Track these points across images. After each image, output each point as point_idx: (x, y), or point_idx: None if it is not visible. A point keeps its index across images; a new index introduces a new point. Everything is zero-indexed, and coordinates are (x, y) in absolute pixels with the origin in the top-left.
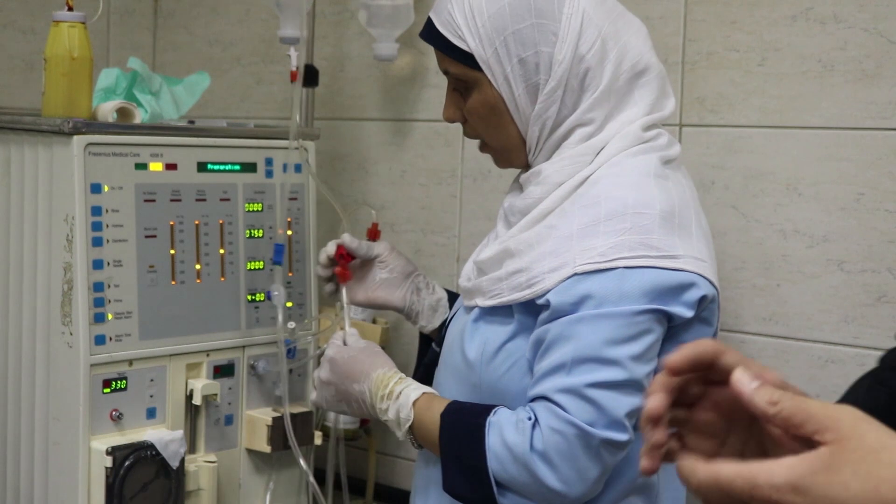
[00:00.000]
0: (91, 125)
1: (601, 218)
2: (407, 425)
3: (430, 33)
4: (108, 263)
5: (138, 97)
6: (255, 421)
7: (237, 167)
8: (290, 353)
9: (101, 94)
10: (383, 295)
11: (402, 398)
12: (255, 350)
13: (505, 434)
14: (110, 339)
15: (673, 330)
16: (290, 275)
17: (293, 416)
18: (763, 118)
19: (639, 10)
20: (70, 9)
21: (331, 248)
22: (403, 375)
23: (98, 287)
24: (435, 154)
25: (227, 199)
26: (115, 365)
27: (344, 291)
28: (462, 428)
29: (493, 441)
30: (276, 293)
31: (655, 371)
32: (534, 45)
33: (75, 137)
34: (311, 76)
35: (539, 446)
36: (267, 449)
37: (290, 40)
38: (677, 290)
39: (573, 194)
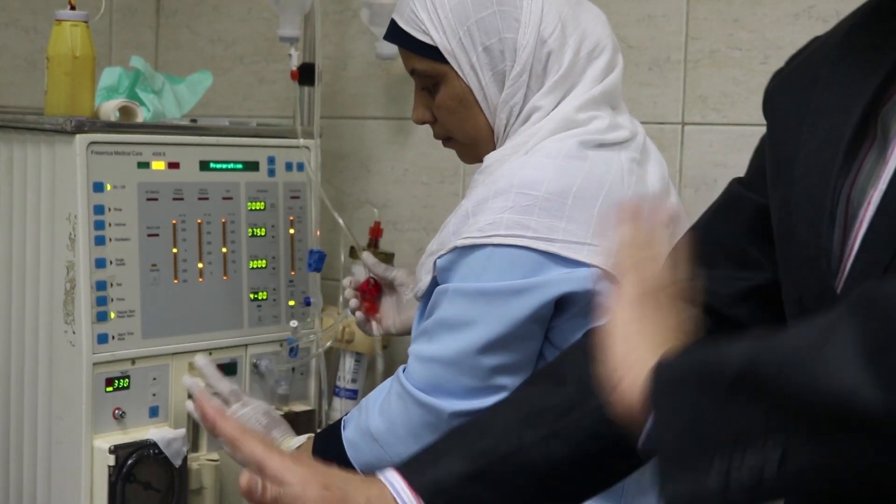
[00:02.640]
0: (93, 124)
1: (490, 195)
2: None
3: (394, 33)
4: (111, 262)
5: (141, 96)
6: None
7: (239, 166)
8: (293, 351)
9: (103, 92)
10: (410, 315)
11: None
12: (257, 349)
13: (354, 421)
14: (113, 337)
15: (560, 319)
16: (293, 273)
17: (295, 414)
18: None
19: (641, 8)
20: (72, 8)
21: (352, 282)
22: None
23: (100, 286)
24: (437, 152)
25: (230, 198)
26: (118, 363)
27: (374, 325)
28: (327, 434)
29: (347, 433)
30: (314, 300)
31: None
32: (497, 32)
33: (78, 136)
34: (309, 74)
35: (377, 408)
36: None
37: (289, 39)
38: (543, 271)
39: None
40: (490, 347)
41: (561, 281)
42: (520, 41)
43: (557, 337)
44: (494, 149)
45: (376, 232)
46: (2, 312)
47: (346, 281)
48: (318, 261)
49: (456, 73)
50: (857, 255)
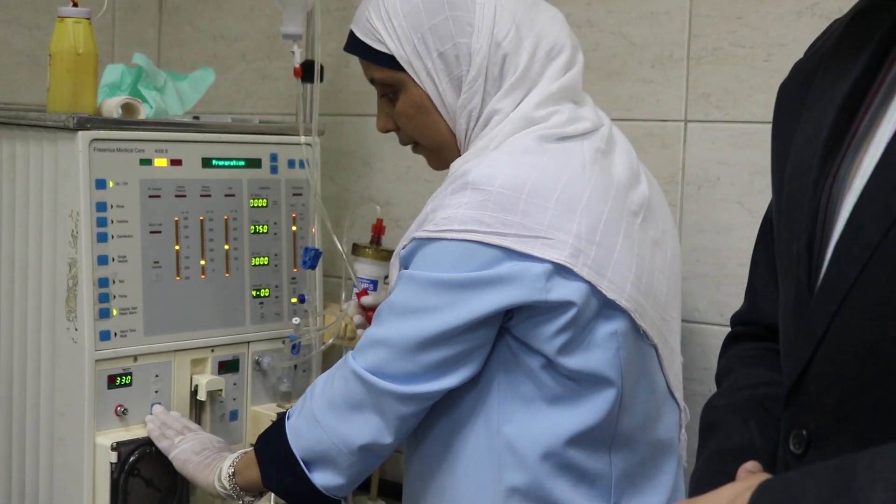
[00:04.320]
0: (96, 121)
1: (448, 193)
2: (229, 473)
3: (352, 44)
4: (113, 259)
5: (143, 93)
6: (260, 416)
7: (242, 163)
8: (295, 349)
9: (105, 89)
10: None
11: (226, 461)
12: (259, 346)
13: (298, 408)
14: (115, 334)
15: (519, 314)
16: (295, 270)
17: None
18: (769, 114)
19: (644, 6)
20: (75, 4)
21: (352, 309)
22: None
23: (103, 283)
24: None
25: (232, 195)
26: (120, 360)
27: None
28: (269, 430)
29: (290, 422)
30: (308, 297)
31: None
32: (451, 38)
33: (80, 133)
34: (312, 71)
35: (325, 396)
36: None
37: (292, 36)
38: (495, 265)
39: None
40: (432, 341)
41: (510, 286)
42: (474, 45)
43: (522, 333)
44: (459, 154)
45: (379, 229)
46: (4, 309)
47: (348, 309)
48: (313, 258)
49: (413, 80)
50: (828, 267)
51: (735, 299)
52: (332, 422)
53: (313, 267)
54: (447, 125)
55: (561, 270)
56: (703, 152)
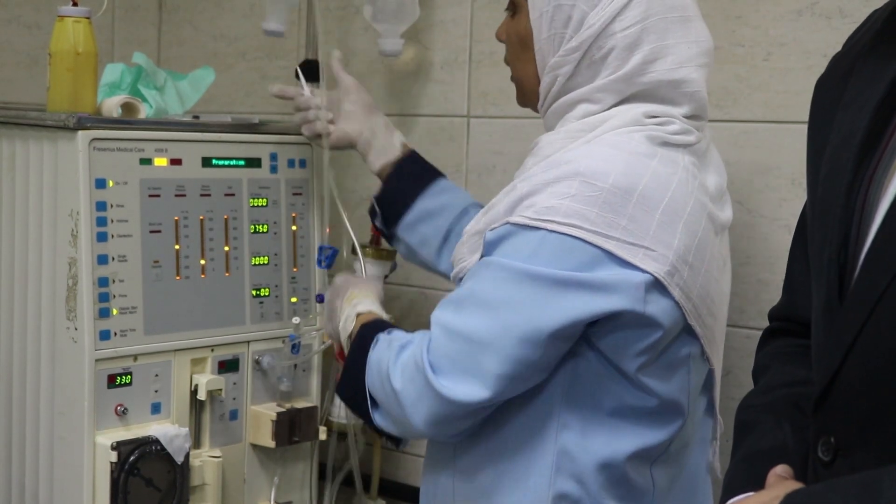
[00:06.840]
0: (96, 120)
1: (551, 179)
2: (346, 335)
3: None
4: (113, 258)
5: (143, 92)
6: (260, 416)
7: (242, 162)
8: (295, 348)
9: (105, 89)
10: (342, 126)
11: (350, 310)
12: (259, 345)
13: (381, 350)
14: (115, 334)
15: (608, 324)
16: (295, 270)
17: (298, 410)
18: (768, 113)
19: None
20: (75, 4)
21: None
22: (369, 295)
23: (103, 282)
24: (440, 149)
25: (232, 195)
26: (120, 360)
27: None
28: (361, 339)
29: (373, 355)
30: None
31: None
32: None
33: (80, 132)
34: (313, 71)
35: (399, 368)
36: (272, 444)
37: (273, 34)
38: (592, 269)
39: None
40: (523, 338)
41: (609, 294)
42: (589, 18)
43: (605, 345)
44: (537, 103)
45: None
46: (4, 308)
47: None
48: (329, 258)
49: (528, 12)
50: (859, 274)
51: (735, 298)
52: (393, 407)
53: (329, 266)
54: (536, 71)
55: (657, 285)
56: None
